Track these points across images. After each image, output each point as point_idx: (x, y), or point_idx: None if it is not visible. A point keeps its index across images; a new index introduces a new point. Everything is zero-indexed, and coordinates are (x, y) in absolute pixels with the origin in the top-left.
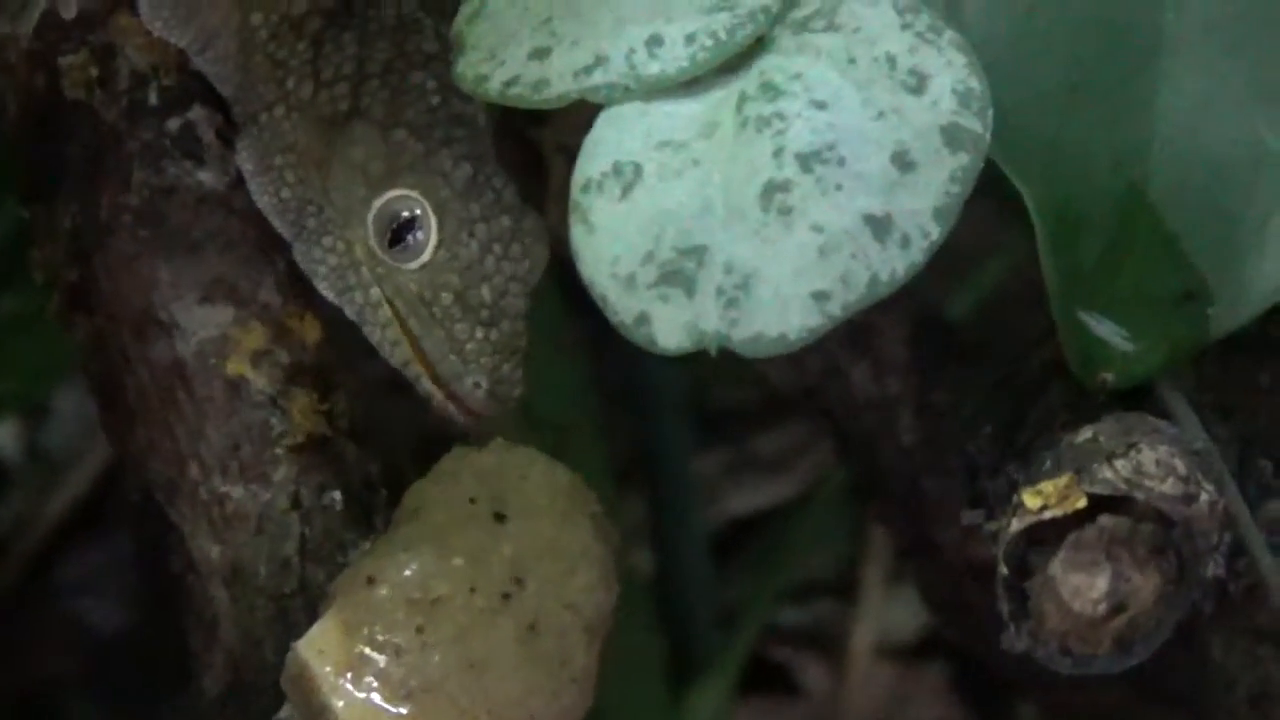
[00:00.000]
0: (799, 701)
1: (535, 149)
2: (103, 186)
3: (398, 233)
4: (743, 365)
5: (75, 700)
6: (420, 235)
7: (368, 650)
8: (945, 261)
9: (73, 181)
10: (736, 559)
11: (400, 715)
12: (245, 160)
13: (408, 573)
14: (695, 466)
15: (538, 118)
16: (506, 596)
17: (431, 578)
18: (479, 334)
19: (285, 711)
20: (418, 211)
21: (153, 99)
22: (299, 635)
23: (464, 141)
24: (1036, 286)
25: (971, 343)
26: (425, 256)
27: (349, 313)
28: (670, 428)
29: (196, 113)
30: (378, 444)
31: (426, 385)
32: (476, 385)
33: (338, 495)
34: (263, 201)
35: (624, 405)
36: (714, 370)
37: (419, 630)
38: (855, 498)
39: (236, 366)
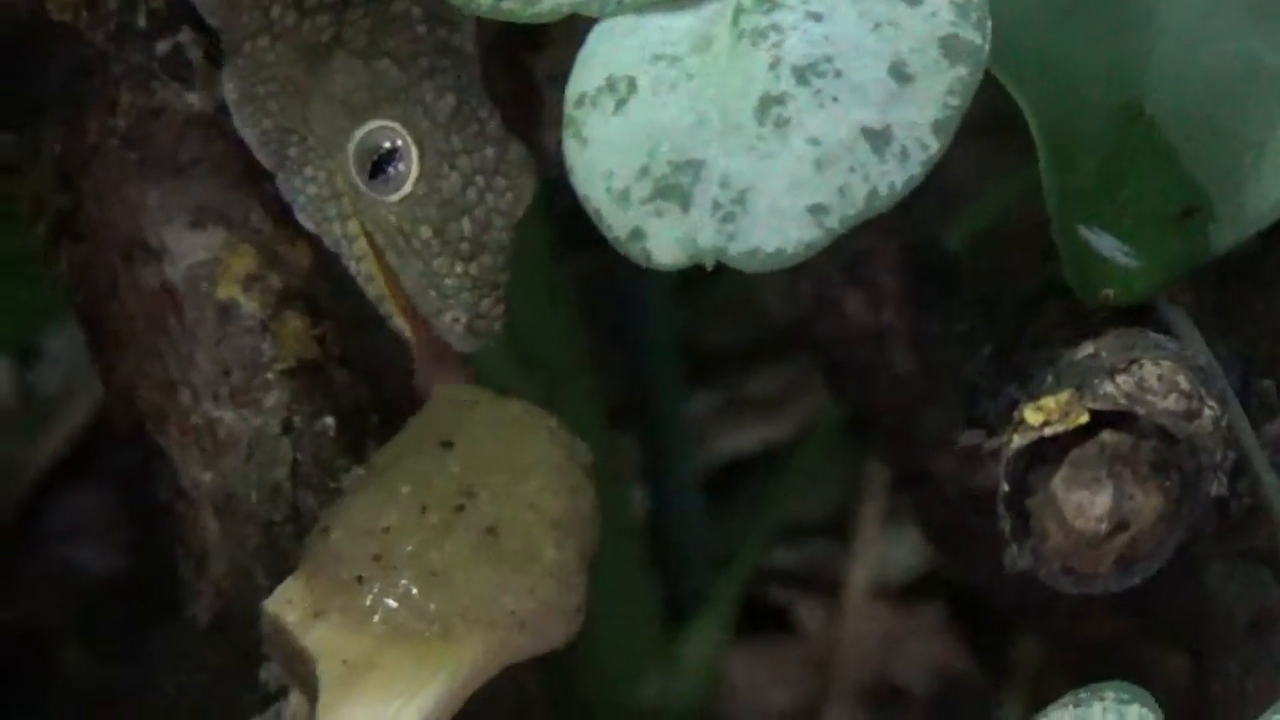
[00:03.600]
0: (794, 642)
1: (529, 77)
2: (89, 110)
3: (378, 164)
4: (738, 299)
5: (66, 644)
6: (401, 167)
7: (330, 589)
8: (941, 197)
9: (59, 105)
10: (730, 500)
11: (371, 635)
12: (230, 91)
13: (357, 512)
14: (688, 407)
15: (532, 45)
16: (459, 508)
17: (381, 510)
18: (458, 268)
19: (265, 672)
20: (399, 143)
21: (141, 21)
22: (290, 563)
23: (449, 71)
24: (1033, 224)
25: (967, 274)
26: (405, 189)
27: (327, 243)
28: (663, 368)
29: (185, 35)
30: (373, 375)
31: (398, 323)
32: (455, 320)
33: (330, 421)
34: (246, 132)
35: (616, 346)
36: (710, 307)
37: (376, 558)
38: (850, 434)
39: (227, 290)
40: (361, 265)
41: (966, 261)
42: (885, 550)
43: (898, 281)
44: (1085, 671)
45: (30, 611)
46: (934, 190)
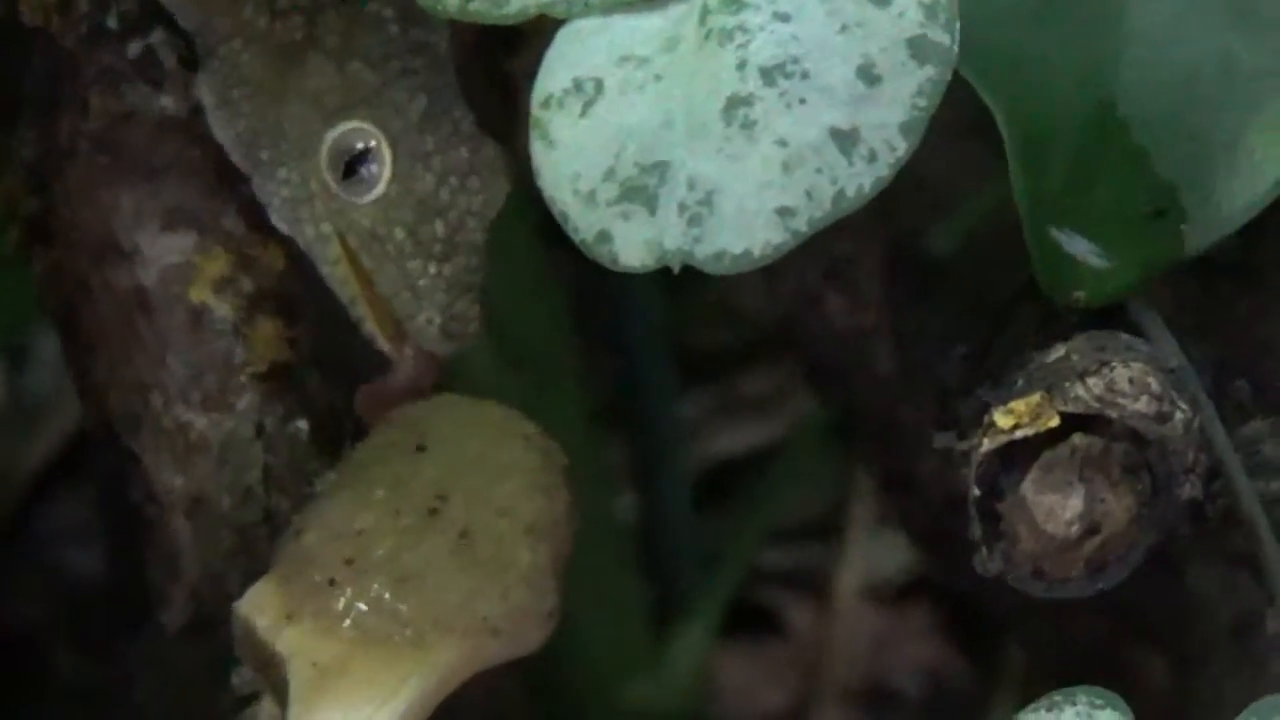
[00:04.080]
0: (784, 644)
1: (508, 78)
2: (61, 113)
3: (351, 166)
4: (729, 301)
5: (55, 648)
6: (374, 169)
7: (302, 592)
8: (926, 199)
9: (31, 109)
10: (720, 501)
11: (342, 640)
12: (205, 94)
13: (330, 514)
14: (678, 408)
15: (511, 47)
16: (433, 512)
17: (355, 513)
18: (432, 270)
19: (237, 677)
20: (372, 144)
21: (112, 23)
22: (263, 567)
23: (422, 72)
24: (1017, 226)
25: (949, 276)
26: (379, 190)
27: (301, 245)
28: (653, 369)
29: (157, 37)
30: (348, 378)
31: (370, 326)
32: (429, 322)
33: (303, 424)
34: (221, 135)
35: (605, 347)
36: (694, 308)
37: (348, 562)
38: (840, 437)
39: (199, 294)
40: (335, 268)
41: (952, 263)
42: (875, 552)
43: (880, 283)
44: (1072, 673)
45: (22, 614)
46: (918, 191)
